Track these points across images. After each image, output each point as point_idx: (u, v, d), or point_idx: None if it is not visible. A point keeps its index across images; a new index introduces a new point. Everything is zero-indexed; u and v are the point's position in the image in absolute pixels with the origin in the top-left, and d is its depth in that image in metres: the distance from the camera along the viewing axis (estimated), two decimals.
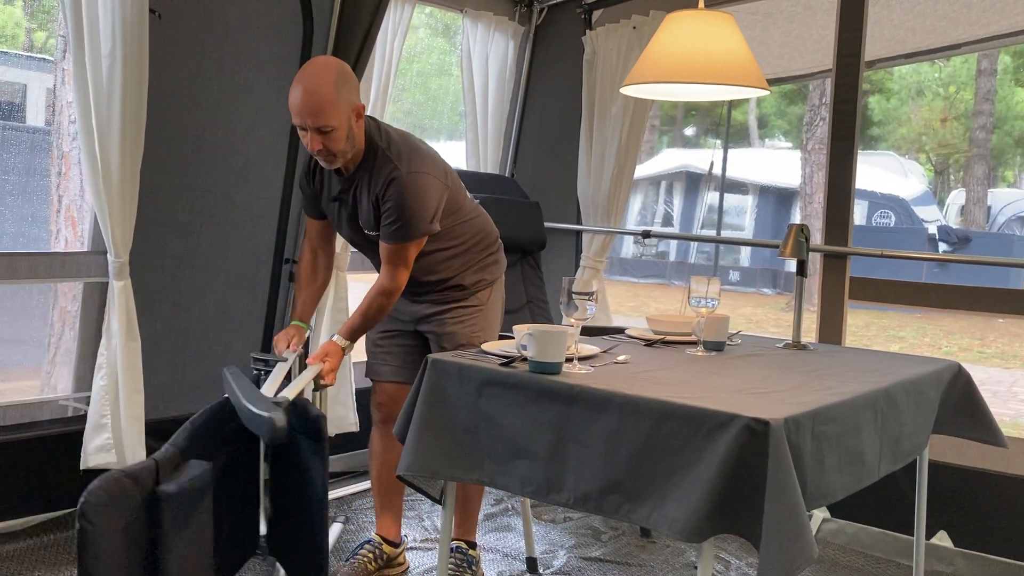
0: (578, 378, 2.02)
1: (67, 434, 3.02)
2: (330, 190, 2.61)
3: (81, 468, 2.95)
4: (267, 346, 3.56)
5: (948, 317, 10.75)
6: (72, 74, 2.83)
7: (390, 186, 2.45)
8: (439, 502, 2.33)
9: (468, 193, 2.76)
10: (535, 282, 3.93)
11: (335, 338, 2.57)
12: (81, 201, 3.54)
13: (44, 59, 4.81)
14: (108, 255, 2.93)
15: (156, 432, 3.17)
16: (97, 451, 2.95)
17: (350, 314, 3.09)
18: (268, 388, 2.35)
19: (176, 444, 2.20)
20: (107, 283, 2.96)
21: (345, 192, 2.56)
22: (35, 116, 4.56)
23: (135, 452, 2.98)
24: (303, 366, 2.51)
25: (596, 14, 4.21)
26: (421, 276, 2.62)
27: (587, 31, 4.18)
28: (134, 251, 2.97)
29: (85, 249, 3.13)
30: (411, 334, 2.77)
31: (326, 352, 2.53)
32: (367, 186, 2.51)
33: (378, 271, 2.73)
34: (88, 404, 2.99)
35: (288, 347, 2.57)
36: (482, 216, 2.79)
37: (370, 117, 2.56)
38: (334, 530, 3.08)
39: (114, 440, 2.96)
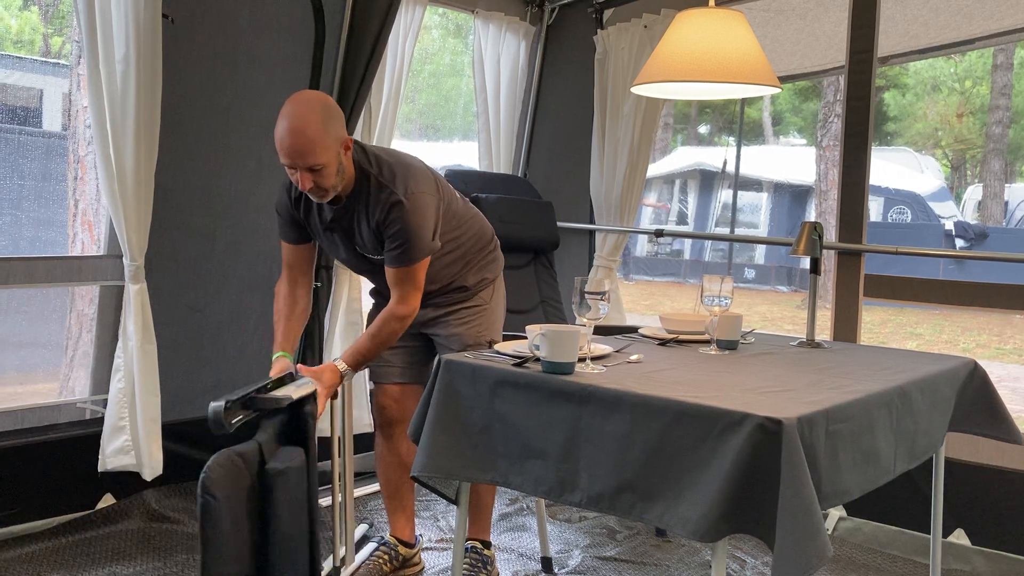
0: (591, 378, 2.02)
1: (85, 437, 3.05)
2: (321, 219, 2.55)
3: (99, 471, 2.99)
4: None
5: (965, 313, 10.68)
6: (86, 79, 2.86)
7: (391, 211, 2.42)
8: (454, 502, 2.34)
9: (459, 195, 2.75)
10: (548, 281, 3.94)
11: (336, 362, 2.49)
12: (97, 205, 3.58)
13: (60, 64, 4.86)
14: (124, 259, 2.95)
15: (173, 434, 3.20)
16: (115, 453, 2.98)
17: (364, 315, 3.10)
18: (281, 392, 2.36)
19: (266, 431, 2.25)
20: (123, 286, 2.99)
21: (339, 221, 2.52)
22: (51, 121, 4.60)
23: (152, 454, 3.00)
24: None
25: (607, 13, 4.21)
26: (424, 285, 2.61)
27: (598, 30, 4.18)
28: (149, 254, 2.99)
29: (101, 253, 3.16)
30: (414, 336, 2.76)
31: (321, 371, 2.45)
32: (365, 214, 2.47)
33: (379, 288, 2.72)
34: (105, 407, 3.02)
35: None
36: (476, 217, 2.78)
37: (355, 142, 2.52)
38: (358, 531, 3.08)
39: (132, 442, 2.99)
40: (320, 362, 3.43)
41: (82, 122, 3.71)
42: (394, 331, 2.53)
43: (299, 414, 2.34)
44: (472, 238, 2.72)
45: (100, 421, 3.02)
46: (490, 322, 2.75)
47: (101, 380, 3.16)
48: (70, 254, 3.57)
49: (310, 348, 3.54)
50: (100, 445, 2.99)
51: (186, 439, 3.30)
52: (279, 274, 3.53)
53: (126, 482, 3.11)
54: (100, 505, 3.10)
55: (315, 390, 2.38)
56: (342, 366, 2.50)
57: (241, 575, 2.05)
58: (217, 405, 2.12)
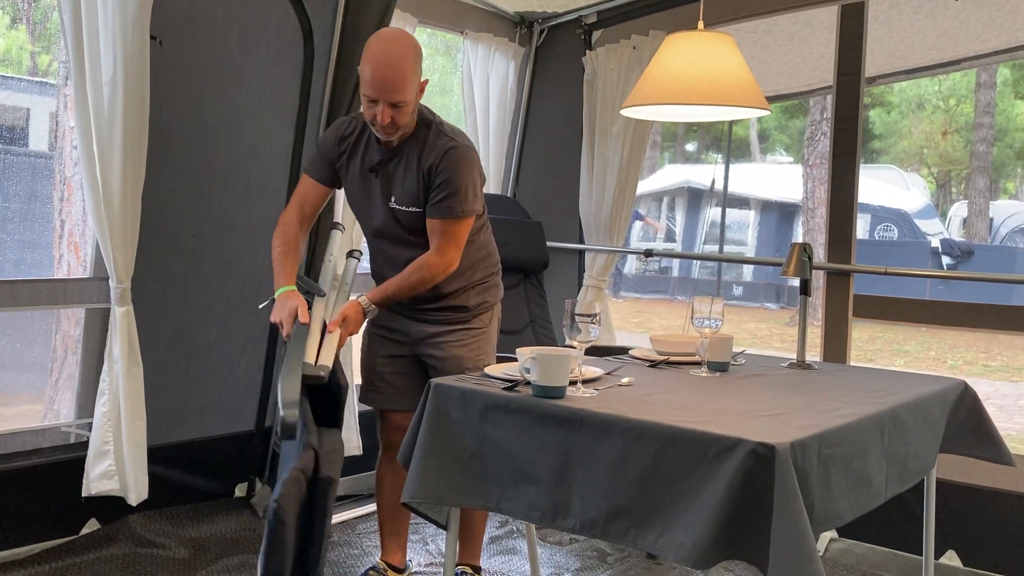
0: (582, 402, 2.01)
1: (69, 461, 3.00)
2: (366, 159, 2.58)
3: (83, 495, 2.94)
4: (269, 370, 3.55)
5: (953, 331, 10.72)
6: (73, 100, 2.84)
7: (446, 156, 2.48)
8: (444, 527, 2.32)
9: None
10: (538, 302, 3.93)
11: (360, 298, 2.51)
12: (84, 226, 3.55)
13: (47, 83, 4.84)
14: (110, 281, 2.92)
15: (159, 458, 3.16)
16: (99, 478, 2.94)
17: None
18: (310, 352, 2.35)
19: (305, 411, 2.27)
20: (109, 309, 2.96)
21: (386, 163, 2.55)
22: (38, 141, 4.58)
23: (138, 479, 2.96)
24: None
25: (596, 34, 4.22)
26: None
27: (587, 51, 4.19)
28: (136, 276, 2.96)
29: (87, 275, 3.13)
30: (410, 360, 2.74)
31: (344, 316, 2.47)
32: (416, 158, 2.51)
33: (381, 269, 2.68)
34: (90, 430, 2.98)
35: (300, 316, 2.44)
36: (490, 232, 2.81)
37: None
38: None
39: (116, 467, 2.94)
40: None
41: (69, 142, 3.69)
42: (423, 280, 2.53)
43: (330, 385, 2.37)
44: (484, 248, 2.74)
45: (85, 445, 2.98)
46: (489, 347, 2.74)
47: (86, 403, 3.12)
48: (56, 275, 3.54)
49: None
50: (84, 470, 2.94)
51: (172, 463, 3.27)
52: (266, 295, 3.51)
53: (111, 507, 3.06)
54: (84, 531, 3.06)
55: (336, 352, 2.40)
56: (365, 302, 2.51)
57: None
58: (292, 415, 2.15)
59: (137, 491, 2.97)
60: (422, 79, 2.47)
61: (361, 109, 2.51)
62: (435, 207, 2.51)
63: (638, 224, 15.64)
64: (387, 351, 2.75)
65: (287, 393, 2.20)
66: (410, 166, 2.53)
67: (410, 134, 2.52)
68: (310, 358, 2.35)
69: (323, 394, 2.38)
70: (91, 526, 3.08)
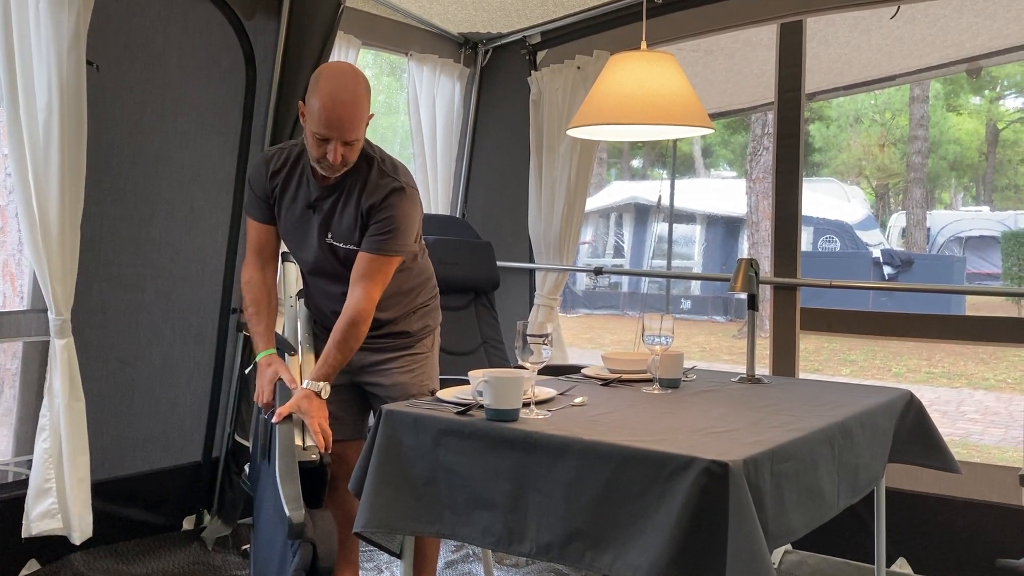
0: (536, 424, 2.00)
1: (7, 500, 2.89)
2: (302, 194, 2.49)
3: (23, 536, 2.84)
4: (216, 400, 3.47)
5: (896, 339, 10.95)
6: (6, 126, 2.76)
7: (390, 195, 2.41)
8: (398, 556, 2.28)
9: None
10: (490, 322, 3.91)
11: (307, 385, 2.39)
12: (20, 256, 3.45)
13: None
14: (49, 313, 2.83)
15: (103, 493, 3.07)
16: (41, 517, 2.83)
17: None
18: (296, 434, 2.34)
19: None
20: (48, 341, 2.87)
21: (324, 199, 2.46)
22: None
23: (81, 516, 2.87)
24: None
25: (541, 55, 4.24)
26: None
27: (532, 72, 4.21)
28: (76, 307, 2.88)
29: (24, 307, 3.03)
30: (349, 388, 2.65)
31: (298, 406, 2.36)
32: (357, 195, 2.43)
33: (318, 302, 2.63)
34: (29, 468, 2.88)
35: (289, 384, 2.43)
36: (428, 256, 2.76)
37: None
38: None
39: (59, 505, 2.85)
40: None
41: (2, 170, 3.59)
42: (360, 335, 2.43)
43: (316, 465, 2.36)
44: (423, 272, 2.69)
45: (24, 483, 2.88)
46: (433, 372, 2.70)
47: (25, 440, 3.01)
48: None
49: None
50: (24, 509, 2.84)
51: (117, 498, 3.18)
52: (211, 323, 3.46)
53: (52, 546, 2.96)
54: (24, 573, 2.95)
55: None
56: (315, 385, 2.39)
57: None
58: (299, 517, 2.14)
59: (81, 529, 2.87)
60: (370, 112, 2.42)
61: (302, 139, 2.45)
62: (371, 241, 2.43)
63: (584, 245, 15.74)
64: None
65: (290, 491, 2.17)
66: (349, 203, 2.45)
67: (350, 170, 2.44)
68: (298, 440, 2.31)
69: (307, 474, 2.32)
70: (31, 567, 2.97)
